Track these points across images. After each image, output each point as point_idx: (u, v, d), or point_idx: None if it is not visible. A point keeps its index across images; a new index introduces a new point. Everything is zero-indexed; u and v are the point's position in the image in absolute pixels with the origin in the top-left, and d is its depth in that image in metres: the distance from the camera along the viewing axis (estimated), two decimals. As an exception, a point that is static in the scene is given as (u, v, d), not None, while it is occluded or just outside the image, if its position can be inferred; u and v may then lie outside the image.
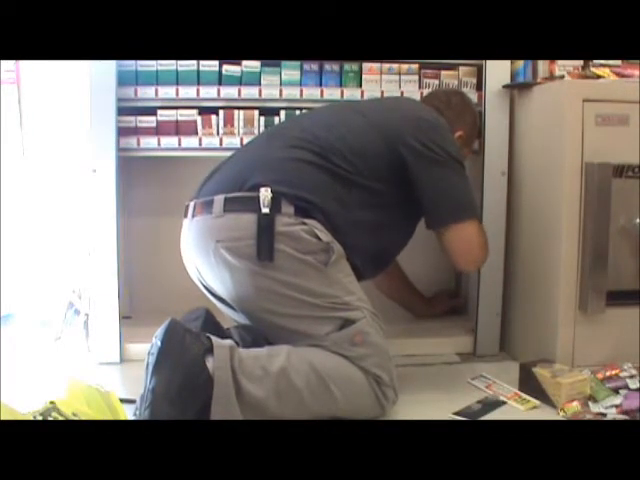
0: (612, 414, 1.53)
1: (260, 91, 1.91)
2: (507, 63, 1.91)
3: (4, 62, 2.06)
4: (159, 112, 1.89)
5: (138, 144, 1.88)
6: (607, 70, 1.81)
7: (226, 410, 1.37)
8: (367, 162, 1.58)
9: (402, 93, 1.95)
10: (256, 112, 1.92)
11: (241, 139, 1.89)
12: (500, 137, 1.94)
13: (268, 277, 1.49)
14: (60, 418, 1.25)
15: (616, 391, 1.61)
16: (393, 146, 1.59)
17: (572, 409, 1.54)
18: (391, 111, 1.67)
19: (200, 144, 1.90)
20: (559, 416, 1.55)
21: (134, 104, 1.88)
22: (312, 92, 1.92)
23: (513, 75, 1.93)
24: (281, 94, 1.90)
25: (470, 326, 2.04)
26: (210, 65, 1.89)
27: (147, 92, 1.87)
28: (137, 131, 1.88)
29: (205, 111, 1.91)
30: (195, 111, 1.90)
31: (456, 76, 1.99)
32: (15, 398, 1.31)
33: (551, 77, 1.88)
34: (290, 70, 1.92)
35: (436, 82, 1.98)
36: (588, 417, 1.52)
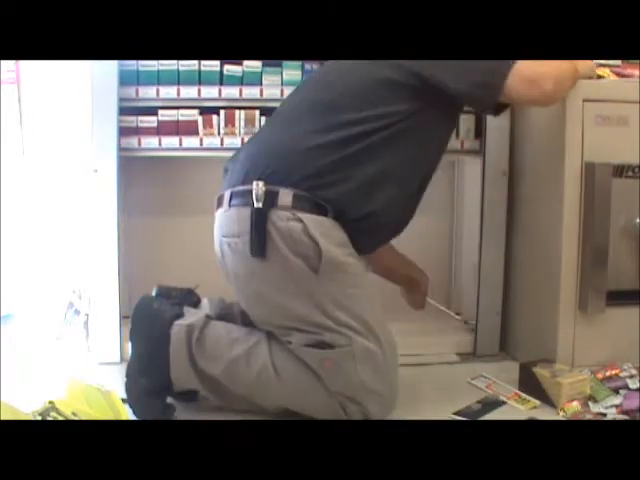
0: (612, 414, 1.53)
1: (261, 91, 1.91)
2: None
3: (4, 62, 2.06)
4: (160, 112, 1.89)
5: (139, 144, 1.87)
6: (607, 70, 1.81)
7: (185, 381, 1.51)
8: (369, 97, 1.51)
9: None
10: (257, 112, 1.91)
11: (242, 139, 1.89)
12: (500, 137, 1.94)
13: (260, 277, 1.48)
14: (59, 418, 1.25)
15: (616, 391, 1.61)
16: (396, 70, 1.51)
17: (572, 409, 1.55)
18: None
19: (201, 144, 1.90)
20: (559, 416, 1.55)
21: (135, 104, 1.88)
22: (313, 92, 1.92)
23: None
24: (282, 94, 1.90)
25: (470, 326, 2.05)
26: (211, 65, 1.89)
27: (148, 92, 1.87)
28: (138, 131, 1.88)
29: (206, 111, 1.90)
30: (196, 111, 1.90)
31: (456, 76, 1.99)
32: (15, 398, 1.31)
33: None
34: (291, 70, 1.92)
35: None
36: (588, 417, 1.52)
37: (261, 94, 1.91)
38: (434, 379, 1.80)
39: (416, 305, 1.92)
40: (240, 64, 1.91)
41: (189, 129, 1.90)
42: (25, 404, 1.27)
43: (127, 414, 1.40)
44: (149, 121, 1.89)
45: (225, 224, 1.52)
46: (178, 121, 1.90)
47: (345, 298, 1.47)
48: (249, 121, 1.91)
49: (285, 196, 1.45)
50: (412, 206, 1.63)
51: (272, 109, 1.75)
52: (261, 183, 1.46)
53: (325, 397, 1.46)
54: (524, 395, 1.65)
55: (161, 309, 1.53)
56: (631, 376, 1.66)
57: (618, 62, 1.85)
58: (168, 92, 1.88)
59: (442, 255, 2.24)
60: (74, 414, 1.28)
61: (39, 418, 1.24)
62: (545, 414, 1.57)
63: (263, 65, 1.91)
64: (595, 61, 1.74)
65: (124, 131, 1.86)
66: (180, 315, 1.53)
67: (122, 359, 1.86)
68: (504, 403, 1.63)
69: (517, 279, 1.98)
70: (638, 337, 1.76)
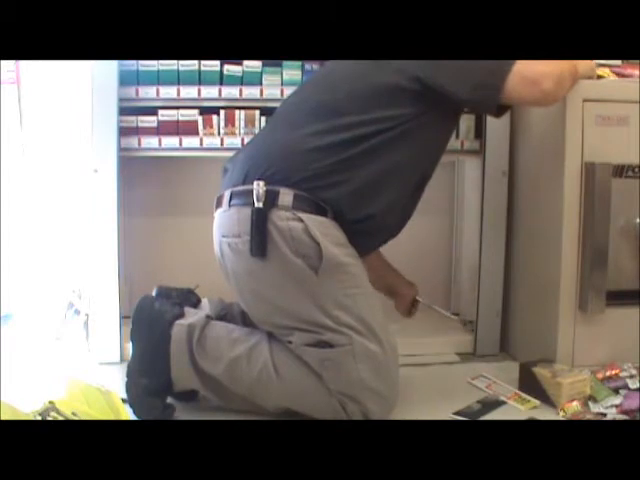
0: (612, 414, 1.53)
1: (261, 91, 1.91)
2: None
3: (4, 62, 2.06)
4: (160, 112, 1.89)
5: (139, 144, 1.88)
6: (607, 70, 1.81)
7: (186, 381, 1.51)
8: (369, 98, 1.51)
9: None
10: (257, 112, 1.91)
11: (242, 139, 1.89)
12: (500, 137, 1.94)
13: (260, 276, 1.48)
14: (59, 418, 1.25)
15: (616, 391, 1.61)
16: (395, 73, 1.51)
17: (572, 409, 1.55)
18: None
19: (201, 144, 1.90)
20: (559, 416, 1.55)
21: (135, 104, 1.88)
22: (313, 92, 1.92)
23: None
24: (282, 94, 1.90)
25: (470, 326, 2.05)
26: (211, 65, 1.89)
27: (148, 92, 1.87)
28: (138, 131, 1.88)
29: (206, 111, 1.90)
30: (196, 111, 1.90)
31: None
32: (15, 398, 1.31)
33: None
34: (291, 70, 1.92)
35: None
36: (588, 417, 1.52)
37: (261, 94, 1.91)
38: (434, 379, 1.80)
39: (402, 313, 1.90)
40: (240, 64, 1.91)
41: (189, 129, 1.90)
42: (25, 404, 1.27)
43: (127, 414, 1.40)
44: (149, 121, 1.89)
45: (225, 224, 1.52)
46: (178, 121, 1.89)
47: (345, 298, 1.47)
48: (249, 121, 1.91)
49: (286, 196, 1.46)
50: (410, 208, 1.64)
51: (272, 109, 1.75)
52: (262, 183, 1.46)
53: (325, 396, 1.46)
54: (524, 395, 1.65)
55: (162, 309, 1.53)
56: (631, 376, 1.66)
57: (618, 62, 1.85)
58: (168, 92, 1.88)
59: (442, 255, 2.24)
60: (74, 414, 1.28)
61: (39, 418, 1.24)
62: (545, 414, 1.57)
63: (263, 65, 1.91)
64: (595, 61, 1.74)
65: (124, 131, 1.86)
66: (180, 315, 1.53)
67: (122, 359, 1.86)
68: (504, 403, 1.63)
69: (517, 279, 1.98)
70: (638, 337, 1.76)
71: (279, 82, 1.92)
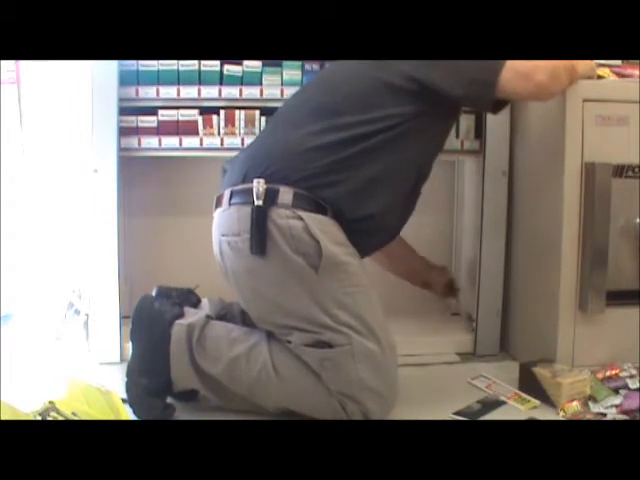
0: (612, 414, 1.53)
1: (261, 91, 1.91)
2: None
3: (4, 62, 2.06)
4: (160, 112, 1.89)
5: (139, 144, 1.88)
6: (607, 70, 1.81)
7: (185, 380, 1.51)
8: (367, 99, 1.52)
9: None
10: (257, 112, 1.91)
11: (242, 139, 1.89)
12: (500, 137, 1.94)
13: (259, 275, 1.49)
14: (59, 418, 1.25)
15: (616, 391, 1.61)
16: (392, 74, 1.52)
17: (572, 409, 1.55)
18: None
19: (201, 144, 1.90)
20: (559, 416, 1.55)
21: (135, 104, 1.88)
22: (313, 92, 1.92)
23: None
24: (282, 94, 1.90)
25: (470, 326, 2.05)
26: (211, 65, 1.89)
27: (148, 92, 1.87)
28: (138, 131, 1.88)
29: (206, 111, 1.90)
30: (196, 111, 1.90)
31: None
32: (15, 398, 1.31)
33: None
34: (291, 70, 1.92)
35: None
36: (588, 417, 1.52)
37: (261, 94, 1.91)
38: (434, 379, 1.80)
39: (444, 298, 2.07)
40: (240, 64, 1.91)
41: (189, 129, 1.90)
42: (25, 404, 1.27)
43: (127, 414, 1.40)
44: (149, 121, 1.89)
45: (224, 223, 1.53)
46: (178, 121, 1.90)
47: (345, 296, 1.47)
48: (249, 121, 1.91)
49: (285, 194, 1.46)
50: (409, 208, 1.65)
51: (272, 109, 1.75)
52: (262, 181, 1.46)
53: (325, 396, 1.47)
54: (524, 395, 1.65)
55: (161, 309, 1.53)
56: (631, 376, 1.66)
57: (618, 62, 1.85)
58: (168, 92, 1.88)
59: (442, 255, 2.24)
60: (74, 414, 1.28)
61: (39, 418, 1.24)
62: (545, 414, 1.57)
63: (263, 65, 1.91)
64: (595, 61, 1.74)
65: (124, 131, 1.86)
66: (180, 315, 1.53)
67: (122, 359, 1.86)
68: (504, 403, 1.63)
69: (517, 279, 1.98)
70: (638, 337, 1.76)
71: (279, 82, 1.92)
